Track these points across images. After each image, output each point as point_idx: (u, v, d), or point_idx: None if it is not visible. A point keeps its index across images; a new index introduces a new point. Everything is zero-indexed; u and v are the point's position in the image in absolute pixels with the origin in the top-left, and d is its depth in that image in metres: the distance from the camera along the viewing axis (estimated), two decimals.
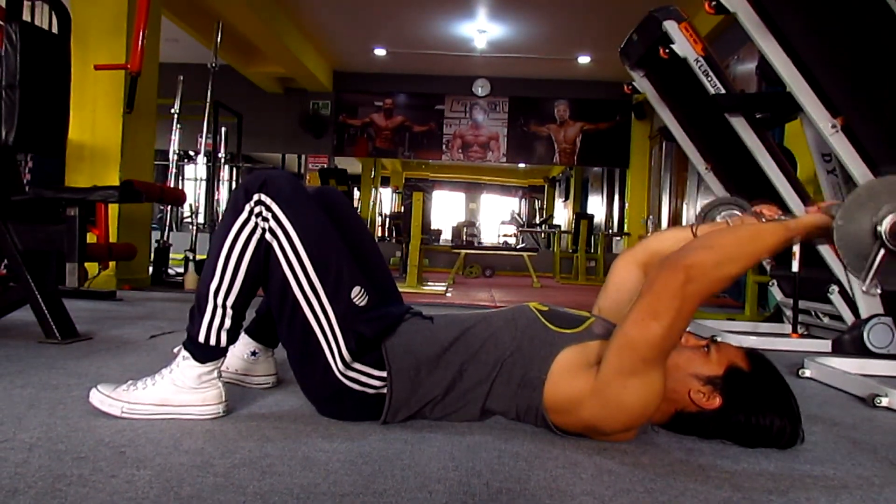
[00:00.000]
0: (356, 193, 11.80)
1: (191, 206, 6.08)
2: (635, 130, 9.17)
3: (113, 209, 4.00)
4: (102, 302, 3.42)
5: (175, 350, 1.37)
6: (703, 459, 1.23)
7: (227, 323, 1.31)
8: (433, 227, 12.58)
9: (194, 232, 5.37)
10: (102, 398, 1.32)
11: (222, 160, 6.37)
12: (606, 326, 1.40)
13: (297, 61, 7.83)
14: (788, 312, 3.04)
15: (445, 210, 17.13)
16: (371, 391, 1.33)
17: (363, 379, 1.32)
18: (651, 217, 8.88)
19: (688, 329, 1.27)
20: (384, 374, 1.33)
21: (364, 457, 1.15)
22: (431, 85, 9.37)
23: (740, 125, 2.86)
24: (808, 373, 2.20)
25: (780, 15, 2.25)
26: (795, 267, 2.86)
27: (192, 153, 8.79)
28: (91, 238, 3.10)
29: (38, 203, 2.25)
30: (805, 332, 3.17)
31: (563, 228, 11.75)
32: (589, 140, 9.34)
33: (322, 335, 1.30)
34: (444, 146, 9.48)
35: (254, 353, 1.63)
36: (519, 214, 16.75)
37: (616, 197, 11.31)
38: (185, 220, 9.48)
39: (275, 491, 0.98)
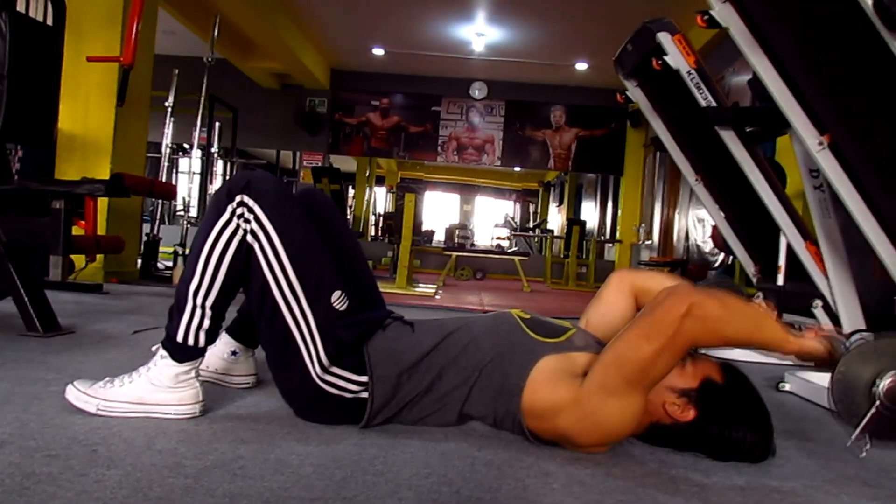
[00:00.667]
0: (350, 192, 11.81)
1: (183, 199, 6.07)
2: (630, 138, 9.20)
3: (102, 201, 3.98)
4: (88, 295, 3.41)
5: (153, 348, 1.37)
6: (675, 472, 1.24)
7: (206, 323, 1.31)
8: (426, 228, 12.61)
9: (185, 226, 5.36)
10: (78, 395, 1.32)
11: (216, 154, 6.36)
12: (587, 339, 1.41)
13: (295, 58, 7.82)
14: None
15: (440, 211, 17.15)
16: (349, 395, 1.33)
17: (341, 383, 1.33)
18: (643, 225, 8.91)
19: None
20: (362, 378, 1.33)
21: (337, 461, 1.15)
22: (428, 86, 9.38)
23: (730, 139, 2.87)
24: (787, 387, 2.21)
25: (771, 31, 2.26)
26: (780, 280, 2.88)
27: (186, 146, 8.77)
28: (79, 230, 3.08)
29: (25, 194, 2.24)
30: None
31: (556, 233, 11.79)
32: (584, 146, 9.37)
33: (301, 339, 1.31)
34: (439, 148, 9.49)
35: (234, 353, 1.63)
36: (513, 218, 16.78)
37: (609, 204, 11.34)
38: (178, 213, 9.46)
39: (244, 494, 0.98)
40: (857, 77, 2.15)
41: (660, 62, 2.88)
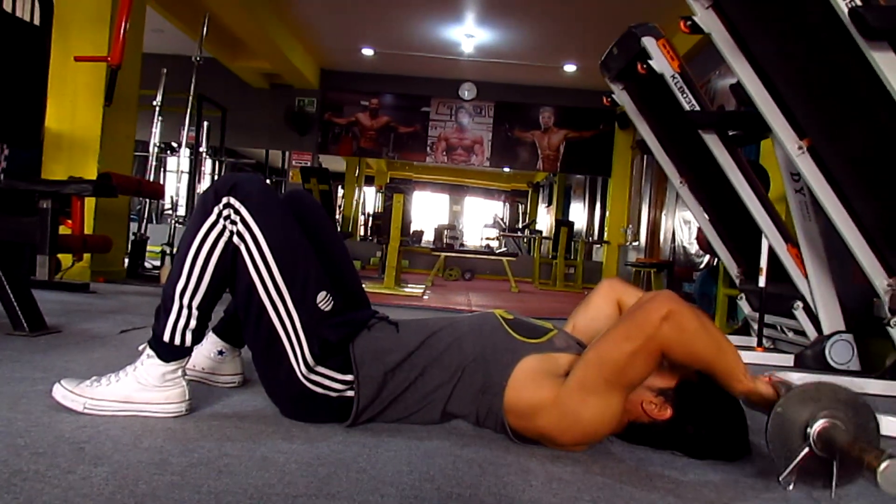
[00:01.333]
0: (339, 192, 11.80)
1: (171, 198, 6.05)
2: (618, 140, 9.26)
3: (89, 201, 3.98)
4: (75, 294, 3.41)
5: (140, 348, 1.38)
6: (653, 469, 1.27)
7: (193, 323, 1.33)
8: (415, 228, 12.63)
9: (173, 225, 5.35)
10: (65, 393, 1.33)
11: (204, 154, 6.34)
12: (569, 341, 1.44)
13: (284, 57, 7.81)
14: (756, 326, 3.10)
15: (429, 211, 17.16)
16: (334, 394, 1.35)
17: (326, 382, 1.35)
18: (631, 226, 8.98)
19: None
20: (348, 377, 1.35)
21: (321, 459, 1.18)
22: (418, 87, 9.40)
23: (713, 142, 2.92)
24: None
25: (752, 37, 2.30)
26: (762, 282, 2.93)
27: (174, 145, 8.74)
28: (66, 230, 3.08)
29: (11, 193, 2.25)
30: (771, 346, 3.24)
31: (545, 234, 11.84)
32: (572, 147, 9.42)
33: (286, 339, 1.33)
34: (428, 148, 9.51)
35: (220, 353, 1.64)
36: (502, 219, 16.82)
37: (597, 205, 11.40)
38: (166, 213, 9.43)
39: (229, 491, 1.00)
40: (835, 83, 2.20)
41: (644, 66, 2.92)
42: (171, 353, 1.34)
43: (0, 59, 2.12)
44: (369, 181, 13.83)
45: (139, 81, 4.72)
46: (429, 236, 14.16)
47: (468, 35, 7.50)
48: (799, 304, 2.92)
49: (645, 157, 8.61)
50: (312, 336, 1.33)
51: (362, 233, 12.25)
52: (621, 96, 3.53)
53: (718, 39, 2.34)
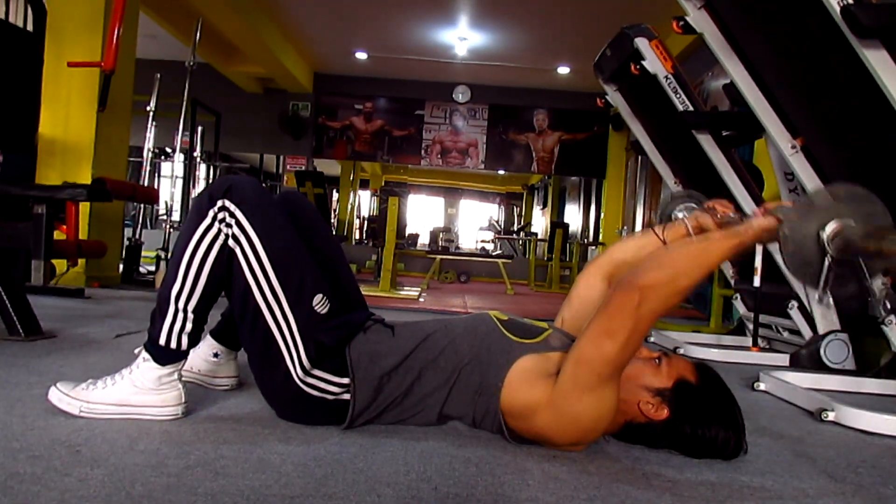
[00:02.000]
0: (334, 196, 11.79)
1: (166, 203, 6.04)
2: (612, 141, 9.28)
3: (84, 206, 3.97)
4: (70, 299, 3.40)
5: (136, 351, 1.38)
6: (649, 468, 1.27)
7: (188, 327, 1.33)
8: (410, 231, 12.62)
9: (167, 230, 5.34)
10: (61, 396, 1.33)
11: (199, 158, 6.34)
12: (563, 339, 1.44)
13: (278, 62, 7.81)
14: (751, 326, 3.11)
15: (424, 214, 17.15)
16: (330, 397, 1.35)
17: (322, 385, 1.35)
18: (626, 227, 8.99)
19: (649, 340, 1.31)
20: (344, 380, 1.35)
21: (318, 460, 1.18)
22: (412, 90, 9.41)
23: (707, 142, 2.93)
24: (762, 386, 2.26)
25: (745, 37, 2.32)
26: (757, 282, 2.93)
27: (168, 150, 8.72)
28: (60, 235, 3.07)
29: (6, 199, 2.24)
30: (766, 346, 3.25)
31: (540, 236, 11.85)
32: (567, 150, 9.44)
33: (283, 342, 1.32)
34: (423, 151, 9.51)
35: (216, 355, 1.64)
36: (497, 221, 16.83)
37: (592, 206, 11.42)
38: (161, 217, 9.40)
39: (225, 492, 1.00)
40: (827, 81, 2.21)
41: (638, 67, 2.93)
42: (166, 356, 1.34)
43: None
44: (364, 185, 13.81)
45: (133, 87, 4.71)
46: (424, 239, 14.14)
47: (462, 38, 7.51)
48: (794, 303, 2.93)
49: (639, 158, 8.64)
50: (309, 339, 1.32)
51: (357, 236, 12.23)
52: (615, 97, 3.55)
53: (711, 39, 2.35)
